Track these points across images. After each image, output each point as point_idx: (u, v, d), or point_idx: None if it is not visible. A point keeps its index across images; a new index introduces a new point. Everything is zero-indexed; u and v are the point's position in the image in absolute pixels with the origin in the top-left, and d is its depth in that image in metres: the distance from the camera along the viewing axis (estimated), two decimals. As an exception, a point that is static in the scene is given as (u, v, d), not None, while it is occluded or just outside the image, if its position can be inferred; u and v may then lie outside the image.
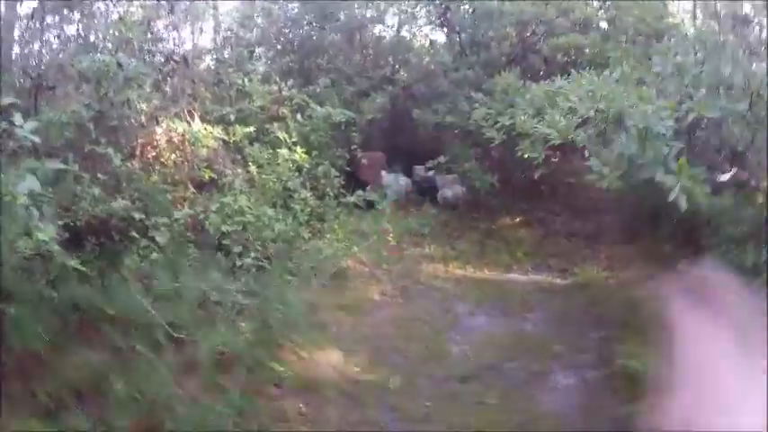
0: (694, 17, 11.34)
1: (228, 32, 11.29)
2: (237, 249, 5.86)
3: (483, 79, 9.57)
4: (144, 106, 6.33)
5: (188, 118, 7.09)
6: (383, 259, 7.72)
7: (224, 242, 6.01)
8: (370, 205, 10.08)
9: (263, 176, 6.83)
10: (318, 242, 7.08)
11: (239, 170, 6.81)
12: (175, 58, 7.51)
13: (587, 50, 9.67)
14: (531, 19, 10.01)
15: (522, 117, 6.88)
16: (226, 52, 10.06)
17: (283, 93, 8.47)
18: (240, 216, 5.97)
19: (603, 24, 9.93)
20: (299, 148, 7.26)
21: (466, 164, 9.15)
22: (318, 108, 8.60)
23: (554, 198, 10.84)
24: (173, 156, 6.62)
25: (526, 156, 6.74)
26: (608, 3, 10.05)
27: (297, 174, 7.70)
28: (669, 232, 7.96)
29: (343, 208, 8.71)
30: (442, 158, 9.41)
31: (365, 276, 7.30)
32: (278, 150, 7.19)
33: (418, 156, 11.29)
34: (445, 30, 11.23)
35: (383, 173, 10.91)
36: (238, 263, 5.78)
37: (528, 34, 10.59)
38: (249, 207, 6.08)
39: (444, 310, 6.79)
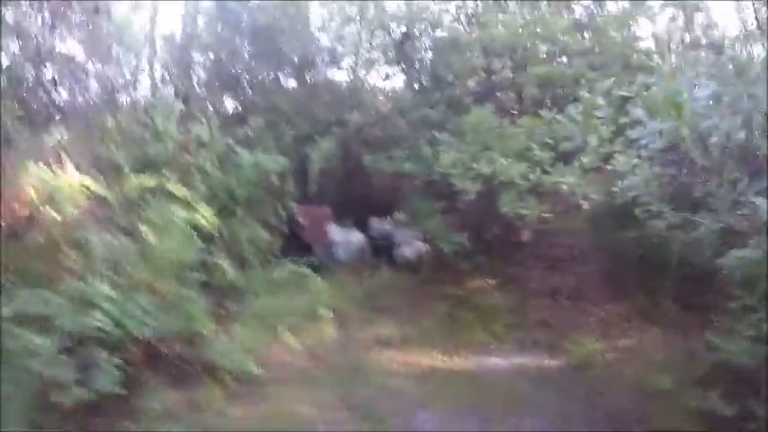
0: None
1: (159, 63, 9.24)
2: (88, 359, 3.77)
3: (448, 118, 7.76)
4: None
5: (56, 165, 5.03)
6: (322, 346, 5.67)
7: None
8: (315, 270, 8.16)
9: (161, 246, 4.70)
10: (231, 331, 5.02)
11: (122, 239, 4.68)
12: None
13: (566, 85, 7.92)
14: (502, 48, 8.31)
15: (504, 162, 5.08)
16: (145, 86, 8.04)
17: (201, 136, 6.45)
18: (95, 310, 3.87)
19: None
20: (203, 208, 5.18)
21: (429, 221, 7.20)
22: (245, 155, 6.63)
23: (528, 249, 9.02)
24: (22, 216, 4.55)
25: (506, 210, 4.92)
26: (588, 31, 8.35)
27: (203, 241, 5.70)
28: (665, 286, 6.74)
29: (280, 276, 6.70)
30: (399, 215, 7.46)
31: (292, 377, 5.22)
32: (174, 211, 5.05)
33: (374, 207, 9.42)
34: (402, 65, 9.42)
35: (330, 229, 8.95)
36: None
37: (500, 66, 8.88)
38: (111, 297, 4.00)
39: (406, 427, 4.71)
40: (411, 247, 8.80)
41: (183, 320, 4.38)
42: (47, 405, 3.68)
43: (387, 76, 9.69)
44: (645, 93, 4.64)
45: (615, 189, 5.10)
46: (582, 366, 5.94)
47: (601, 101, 5.40)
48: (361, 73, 10.40)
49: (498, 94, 8.89)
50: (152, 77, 9.32)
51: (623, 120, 4.78)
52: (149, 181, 4.99)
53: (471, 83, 9.16)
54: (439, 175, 6.73)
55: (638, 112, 4.40)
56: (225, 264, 5.52)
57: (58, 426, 3.77)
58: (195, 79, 9.40)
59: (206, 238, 6.21)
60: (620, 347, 6.42)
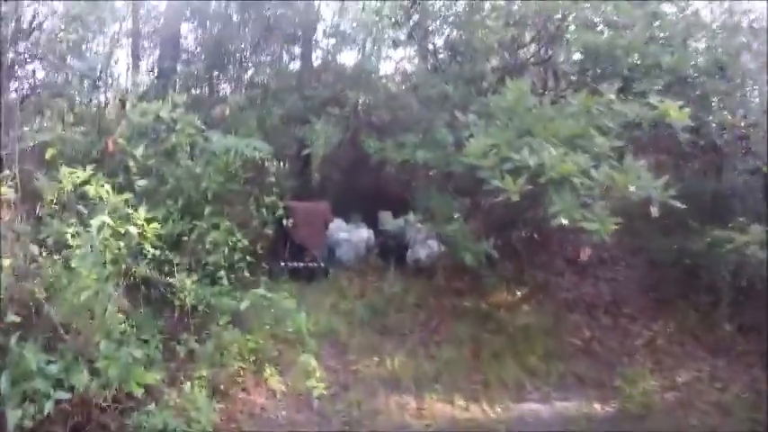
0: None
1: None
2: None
3: (470, 98, 6.19)
4: None
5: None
6: (313, 390, 4.20)
7: None
8: (311, 277, 6.72)
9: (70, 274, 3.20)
10: (185, 380, 3.58)
11: (23, 264, 3.19)
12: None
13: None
14: (536, 16, 6.72)
15: (553, 151, 3.58)
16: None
17: (162, 117, 4.94)
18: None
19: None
20: (137, 214, 3.65)
21: (446, 225, 5.63)
22: (216, 138, 5.13)
23: (555, 250, 7.58)
24: None
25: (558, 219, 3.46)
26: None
27: (168, 249, 4.25)
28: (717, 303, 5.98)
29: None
30: (411, 216, 5.91)
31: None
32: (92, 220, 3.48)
33: (385, 201, 8.00)
34: (415, 35, 7.80)
35: (331, 227, 7.49)
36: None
37: (529, 39, 7.30)
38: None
39: None
40: (424, 248, 7.36)
41: (107, 377, 2.95)
42: None
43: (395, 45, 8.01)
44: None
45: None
46: (640, 413, 4.55)
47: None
48: (369, 49, 8.83)
49: (529, 70, 7.33)
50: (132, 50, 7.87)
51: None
52: (70, 179, 3.50)
53: (495, 59, 7.61)
54: (461, 166, 5.22)
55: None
56: (181, 281, 4.05)
57: None
58: (179, 54, 7.90)
59: (170, 245, 4.80)
60: (680, 384, 5.07)
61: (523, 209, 4.90)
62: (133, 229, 3.45)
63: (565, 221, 3.47)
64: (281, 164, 6.22)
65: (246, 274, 4.88)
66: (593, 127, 4.08)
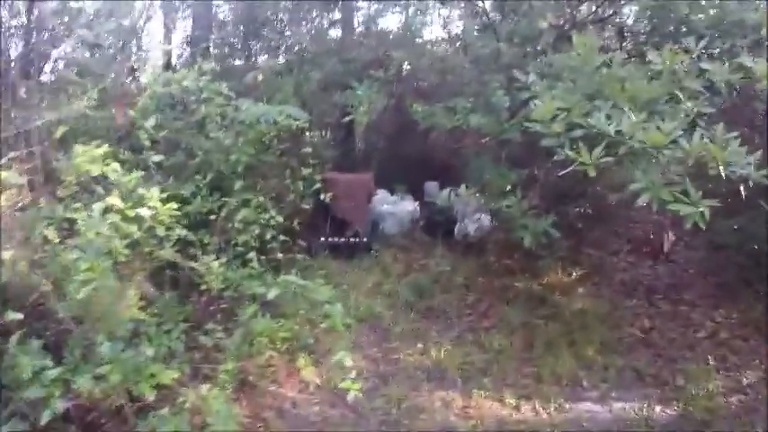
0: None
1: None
2: None
3: (527, 58, 5.51)
4: None
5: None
6: (349, 377, 3.77)
7: None
8: (352, 254, 6.33)
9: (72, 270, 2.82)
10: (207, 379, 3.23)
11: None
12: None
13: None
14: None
15: (633, 117, 2.97)
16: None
17: (187, 86, 4.51)
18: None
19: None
20: (150, 193, 3.23)
21: (503, 199, 5.03)
22: (244, 107, 4.68)
23: (611, 227, 6.97)
24: None
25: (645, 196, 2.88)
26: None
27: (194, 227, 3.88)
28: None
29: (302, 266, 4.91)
30: (463, 189, 5.36)
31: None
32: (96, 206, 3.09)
33: (432, 171, 7.53)
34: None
35: (374, 200, 7.05)
36: None
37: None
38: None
39: None
40: (475, 222, 6.84)
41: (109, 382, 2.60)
42: None
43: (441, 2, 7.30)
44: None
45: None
46: (704, 418, 3.97)
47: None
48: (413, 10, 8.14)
49: (589, 30, 6.52)
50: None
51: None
52: (83, 157, 3.10)
53: (552, 17, 6.83)
54: (518, 134, 4.62)
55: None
56: (206, 264, 3.67)
57: None
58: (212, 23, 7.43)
59: (199, 224, 4.45)
60: (746, 386, 4.45)
61: (587, 183, 4.27)
62: (145, 212, 3.06)
63: (646, 200, 2.86)
64: (323, 133, 5.77)
65: (280, 255, 4.47)
66: (678, 89, 3.42)
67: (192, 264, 3.65)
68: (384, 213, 7.18)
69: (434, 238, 6.81)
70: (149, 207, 3.11)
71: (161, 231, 3.21)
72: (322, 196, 5.20)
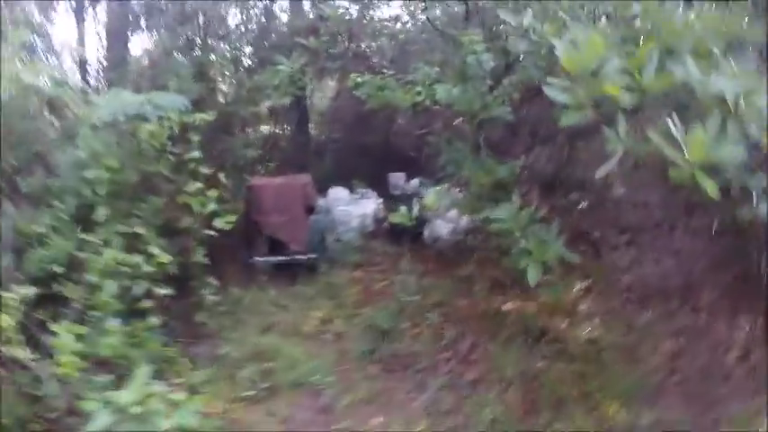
0: None
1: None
2: None
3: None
4: None
5: None
6: None
7: None
8: (294, 276, 4.88)
9: None
10: None
11: None
12: None
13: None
14: None
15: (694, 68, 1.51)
16: None
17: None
18: None
19: None
20: None
21: (490, 203, 3.44)
22: (98, 101, 3.13)
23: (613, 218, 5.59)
24: None
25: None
26: None
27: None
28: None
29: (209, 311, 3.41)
30: (432, 194, 3.82)
31: None
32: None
33: (397, 164, 6.16)
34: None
35: (328, 201, 5.59)
36: None
37: None
38: None
39: None
40: (448, 222, 5.46)
41: None
42: None
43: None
44: None
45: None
46: None
47: None
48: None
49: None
50: None
51: None
52: None
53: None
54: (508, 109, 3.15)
55: None
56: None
57: None
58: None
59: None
60: None
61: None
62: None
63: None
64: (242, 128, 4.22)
65: (154, 319, 2.92)
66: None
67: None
68: (339, 217, 5.70)
69: (400, 246, 5.36)
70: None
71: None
72: (216, 222, 3.57)
